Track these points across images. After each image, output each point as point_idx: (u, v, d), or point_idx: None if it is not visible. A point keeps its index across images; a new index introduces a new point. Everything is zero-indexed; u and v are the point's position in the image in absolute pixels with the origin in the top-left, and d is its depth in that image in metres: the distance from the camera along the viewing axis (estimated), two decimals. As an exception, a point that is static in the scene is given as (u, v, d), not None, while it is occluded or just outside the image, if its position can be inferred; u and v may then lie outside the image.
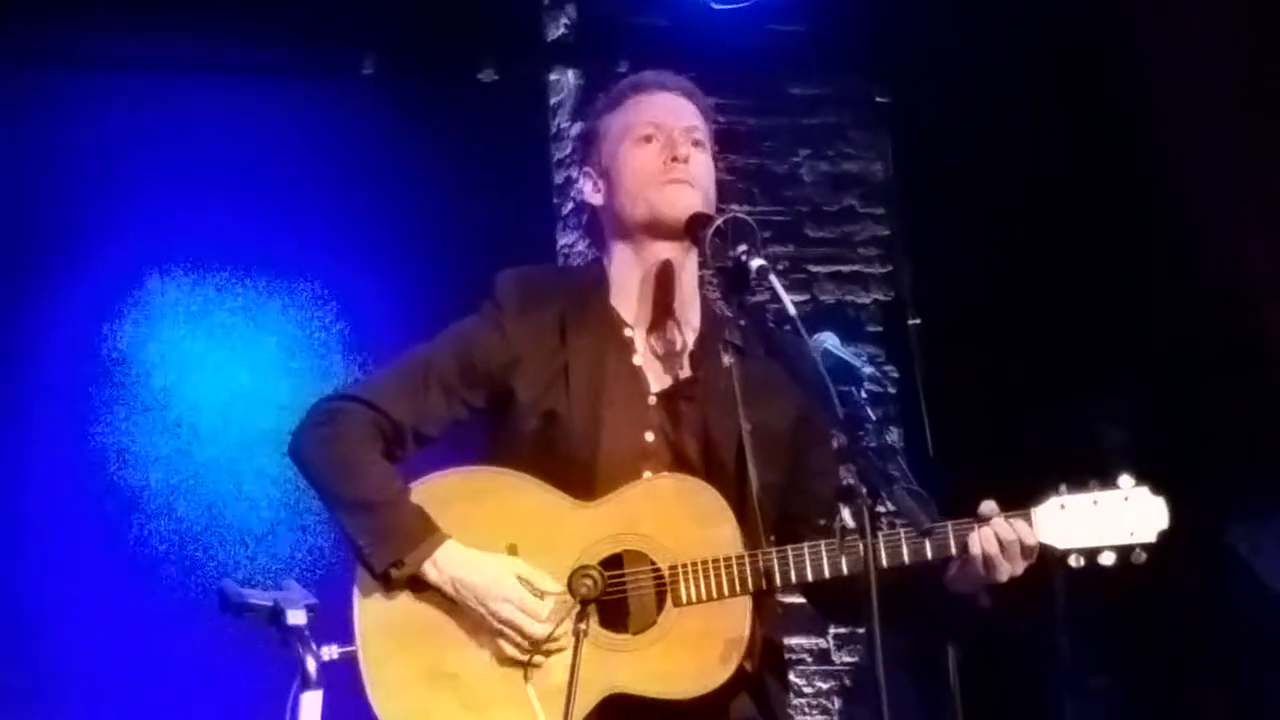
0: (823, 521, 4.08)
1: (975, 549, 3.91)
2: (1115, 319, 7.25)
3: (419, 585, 4.00)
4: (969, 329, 7.22)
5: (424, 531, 3.99)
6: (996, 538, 3.92)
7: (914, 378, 7.26)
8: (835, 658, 7.19)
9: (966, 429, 7.05)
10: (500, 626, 3.96)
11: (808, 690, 7.15)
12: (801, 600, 4.20)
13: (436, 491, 4.05)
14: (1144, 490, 4.00)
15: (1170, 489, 4.05)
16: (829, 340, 4.05)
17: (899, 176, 7.58)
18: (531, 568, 3.98)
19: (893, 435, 7.12)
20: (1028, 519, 3.96)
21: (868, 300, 7.51)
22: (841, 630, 7.06)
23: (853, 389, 3.91)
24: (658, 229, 4.15)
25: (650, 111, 4.21)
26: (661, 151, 4.15)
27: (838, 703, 7.19)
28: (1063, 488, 3.99)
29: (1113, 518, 3.98)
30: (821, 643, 7.17)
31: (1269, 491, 7.05)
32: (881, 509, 3.73)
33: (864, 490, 3.68)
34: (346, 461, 4.06)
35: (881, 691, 3.63)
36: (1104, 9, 7.18)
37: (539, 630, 3.94)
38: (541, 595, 3.96)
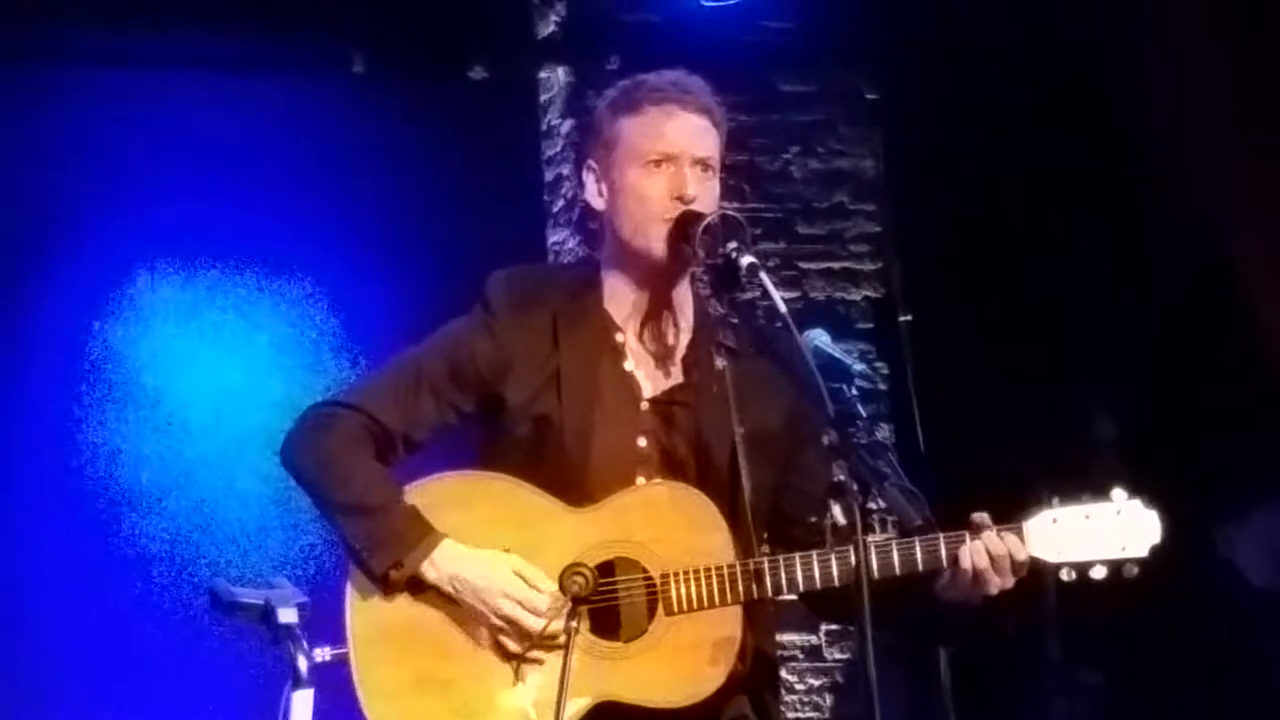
0: (814, 519, 3.98)
1: (965, 563, 3.89)
2: (1107, 315, 7.26)
3: (416, 588, 3.99)
4: (960, 325, 7.22)
5: (421, 531, 3.98)
6: (987, 551, 3.89)
7: (905, 374, 7.26)
8: (827, 654, 7.18)
9: (957, 425, 7.05)
10: (499, 623, 3.95)
11: (799, 687, 7.15)
12: (793, 597, 4.19)
13: (429, 496, 4.04)
14: (1137, 504, 3.97)
15: (1161, 487, 4.05)
16: (819, 337, 4.04)
17: (889, 173, 7.58)
18: (529, 564, 3.97)
19: (883, 432, 7.12)
20: (1019, 533, 3.93)
21: (858, 297, 7.50)
22: (833, 627, 7.05)
23: (843, 386, 3.90)
24: (653, 263, 4.10)
25: (664, 138, 4.07)
26: (669, 184, 4.05)
27: (829, 699, 7.19)
28: (1055, 500, 3.95)
29: (1105, 531, 3.94)
30: (813, 639, 7.16)
31: (1250, 489, 7.08)
32: (872, 506, 3.69)
33: (855, 487, 3.64)
34: (340, 466, 4.06)
35: (873, 688, 3.61)
36: (1094, 5, 7.19)
37: (539, 625, 3.93)
38: (540, 591, 3.95)
